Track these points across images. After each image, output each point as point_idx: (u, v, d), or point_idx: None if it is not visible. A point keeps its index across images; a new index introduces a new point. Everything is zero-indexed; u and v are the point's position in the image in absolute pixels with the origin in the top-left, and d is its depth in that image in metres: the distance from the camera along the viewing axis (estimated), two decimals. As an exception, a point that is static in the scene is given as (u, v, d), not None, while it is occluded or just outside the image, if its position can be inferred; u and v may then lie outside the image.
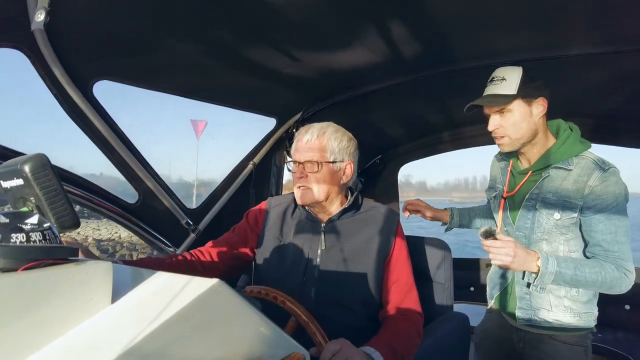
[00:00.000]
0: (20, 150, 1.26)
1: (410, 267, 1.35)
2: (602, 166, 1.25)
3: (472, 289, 2.89)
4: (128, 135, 1.56)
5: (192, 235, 1.87)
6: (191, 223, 1.86)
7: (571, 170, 1.29)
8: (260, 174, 2.17)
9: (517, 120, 1.30)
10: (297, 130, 2.06)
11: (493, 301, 1.52)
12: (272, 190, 2.27)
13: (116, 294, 0.64)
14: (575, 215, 1.27)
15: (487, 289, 1.57)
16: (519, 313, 1.39)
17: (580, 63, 1.56)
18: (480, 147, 2.63)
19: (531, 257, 1.24)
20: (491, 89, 1.32)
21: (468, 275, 2.88)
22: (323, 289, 1.26)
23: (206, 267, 1.33)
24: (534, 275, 1.25)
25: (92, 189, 1.53)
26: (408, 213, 1.79)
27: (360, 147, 1.40)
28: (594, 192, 1.24)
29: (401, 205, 2.95)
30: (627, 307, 2.41)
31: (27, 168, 0.70)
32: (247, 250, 1.40)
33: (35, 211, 0.71)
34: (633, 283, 1.24)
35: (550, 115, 1.35)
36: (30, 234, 0.58)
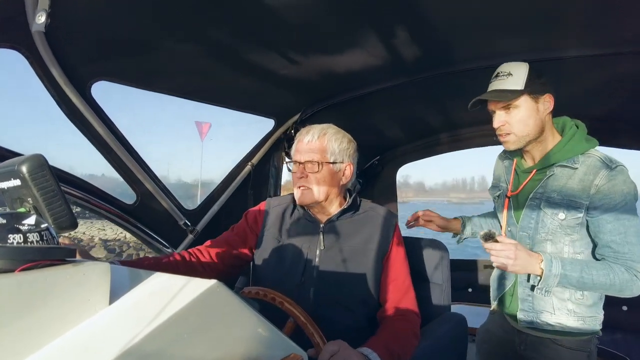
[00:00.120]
0: (18, 151, 1.26)
1: (407, 268, 1.35)
2: (609, 164, 1.20)
3: (470, 290, 2.89)
4: (126, 136, 1.56)
5: (190, 236, 1.87)
6: (189, 224, 1.86)
7: (577, 168, 1.25)
8: (258, 175, 2.17)
9: (524, 117, 1.26)
10: (295, 131, 2.07)
11: (496, 302, 1.50)
12: (271, 191, 2.27)
13: (114, 295, 0.64)
14: (581, 215, 1.23)
15: (491, 289, 1.55)
16: (520, 315, 1.36)
17: (579, 65, 1.56)
18: (478, 148, 2.64)
19: (534, 260, 1.21)
20: (497, 84, 1.27)
21: (466, 276, 2.88)
22: (322, 289, 1.26)
23: (205, 267, 1.33)
24: (538, 277, 1.22)
25: (90, 190, 1.53)
26: (414, 223, 1.70)
27: (358, 148, 1.40)
28: (600, 192, 1.19)
29: (400, 206, 2.97)
30: (625, 308, 2.41)
31: (24, 169, 0.70)
32: (246, 250, 1.40)
33: (32, 212, 0.70)
34: None
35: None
36: (27, 234, 0.58)
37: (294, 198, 1.38)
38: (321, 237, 1.32)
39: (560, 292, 1.29)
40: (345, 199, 1.40)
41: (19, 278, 0.54)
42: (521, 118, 1.26)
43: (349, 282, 1.27)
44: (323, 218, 1.36)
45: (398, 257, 1.34)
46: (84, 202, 1.49)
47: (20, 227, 0.58)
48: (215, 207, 1.99)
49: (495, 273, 1.55)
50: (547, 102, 1.27)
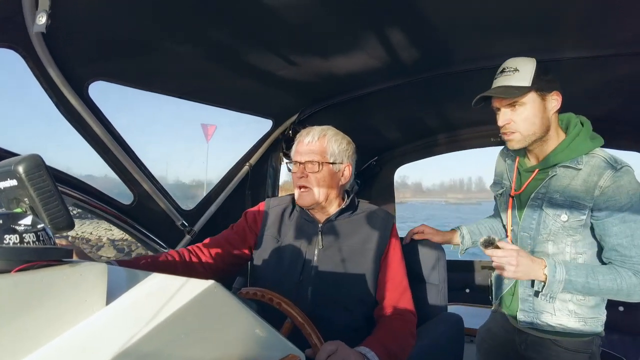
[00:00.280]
0: (15, 151, 1.25)
1: (404, 268, 1.36)
2: (614, 165, 1.16)
3: (467, 290, 2.89)
4: (123, 136, 1.55)
5: (188, 237, 1.86)
6: (186, 224, 1.85)
7: (580, 169, 1.20)
8: (256, 175, 2.16)
9: (530, 115, 1.20)
10: (293, 131, 2.06)
11: (497, 302, 1.48)
12: (269, 192, 2.26)
13: (111, 296, 0.64)
14: (584, 217, 1.19)
15: (492, 289, 1.53)
16: (520, 315, 1.33)
17: (577, 66, 1.55)
18: (476, 149, 2.65)
19: (537, 266, 1.17)
20: (502, 80, 1.21)
21: (463, 277, 2.89)
22: (320, 288, 1.27)
23: (205, 265, 1.33)
24: (542, 283, 1.18)
25: (87, 190, 1.53)
26: (410, 239, 1.63)
27: (356, 148, 1.41)
28: (605, 193, 1.15)
29: (397, 207, 2.97)
30: (621, 308, 2.41)
31: (21, 169, 0.70)
32: (245, 249, 1.40)
33: (29, 212, 0.70)
34: None
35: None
36: (23, 235, 0.58)
37: (293, 198, 1.39)
38: (320, 236, 1.32)
39: (561, 293, 1.25)
40: (343, 199, 1.41)
41: (16, 279, 0.54)
42: (527, 116, 1.21)
43: (346, 281, 1.28)
44: (322, 218, 1.36)
45: (395, 257, 1.35)
46: (81, 203, 1.49)
47: (17, 227, 0.58)
48: (212, 208, 1.98)
49: (495, 272, 1.53)
50: (554, 100, 1.22)
